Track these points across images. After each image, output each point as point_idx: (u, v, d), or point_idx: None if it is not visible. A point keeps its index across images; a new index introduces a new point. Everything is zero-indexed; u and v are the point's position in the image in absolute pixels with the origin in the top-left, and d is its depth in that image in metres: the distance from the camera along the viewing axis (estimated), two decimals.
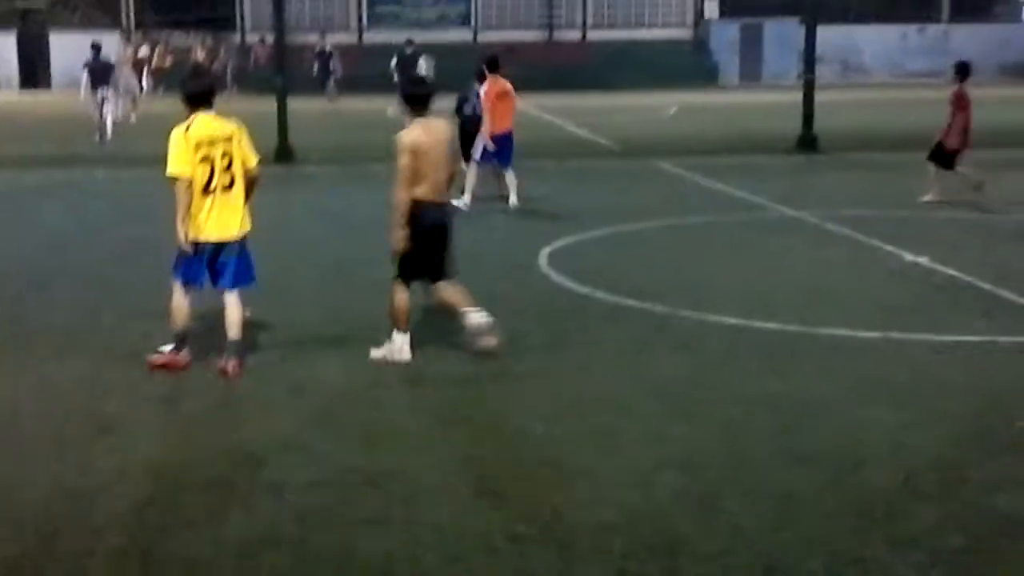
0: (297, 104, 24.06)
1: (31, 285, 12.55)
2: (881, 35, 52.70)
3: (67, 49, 46.91)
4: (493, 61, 18.23)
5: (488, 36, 49.33)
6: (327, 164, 23.66)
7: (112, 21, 50.63)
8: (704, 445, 7.64)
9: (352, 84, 42.56)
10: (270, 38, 39.81)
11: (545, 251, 14.02)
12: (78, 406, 8.55)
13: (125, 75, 33.66)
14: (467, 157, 17.68)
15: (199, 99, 9.22)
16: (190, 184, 9.02)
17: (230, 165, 9.17)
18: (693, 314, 10.94)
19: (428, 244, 9.58)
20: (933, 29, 53.75)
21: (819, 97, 25.96)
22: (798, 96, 26.32)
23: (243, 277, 9.48)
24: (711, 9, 54.75)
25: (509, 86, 18.04)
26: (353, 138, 27.75)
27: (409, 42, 39.41)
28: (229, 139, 9.19)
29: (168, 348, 9.44)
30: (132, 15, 51.24)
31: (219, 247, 9.28)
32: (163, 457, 7.50)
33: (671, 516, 6.55)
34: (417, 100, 9.63)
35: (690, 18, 54.99)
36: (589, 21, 53.87)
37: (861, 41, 52.00)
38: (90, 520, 6.50)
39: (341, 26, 52.45)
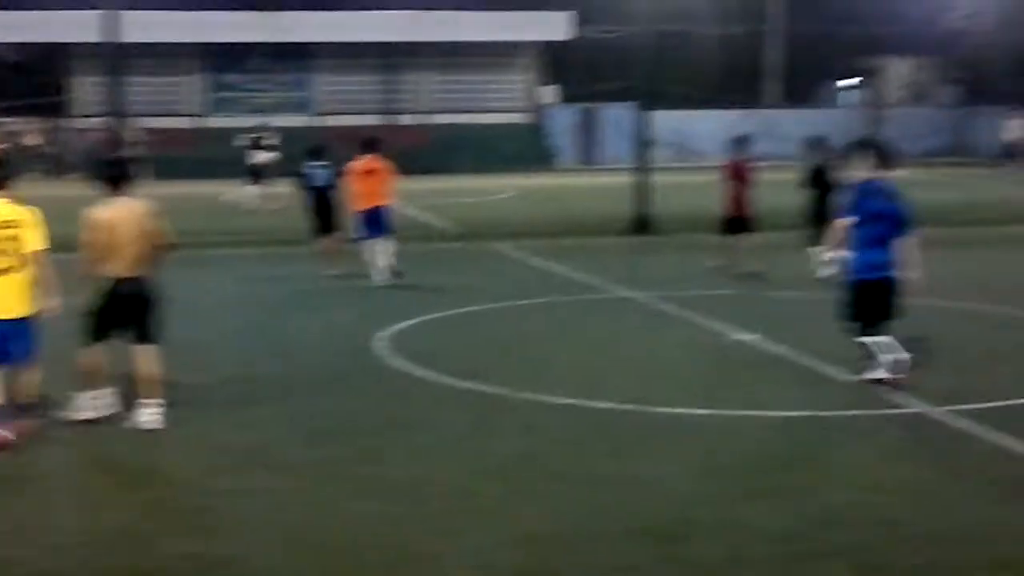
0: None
1: None
2: (713, 119, 54.26)
3: None
4: (367, 142, 19.71)
5: (328, 121, 49.42)
6: None
7: None
8: (544, 523, 7.76)
9: (190, 169, 42.25)
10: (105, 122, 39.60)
11: (383, 333, 14.09)
12: None
13: None
14: (328, 227, 19.68)
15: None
16: None
17: (17, 247, 9.54)
18: (531, 395, 11.10)
19: (115, 312, 10.14)
20: (762, 114, 55.58)
21: (655, 179, 26.65)
22: (634, 179, 26.97)
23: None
24: (549, 94, 55.79)
25: (378, 164, 19.23)
26: (192, 223, 27.44)
27: (262, 127, 39.12)
28: (16, 224, 9.57)
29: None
30: None
31: (12, 324, 9.57)
32: None
33: None
34: (111, 180, 10.21)
35: (529, 103, 55.94)
36: (429, 105, 54.45)
37: (695, 125, 53.43)
38: None
39: (185, 110, 52.12)
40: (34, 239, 9.69)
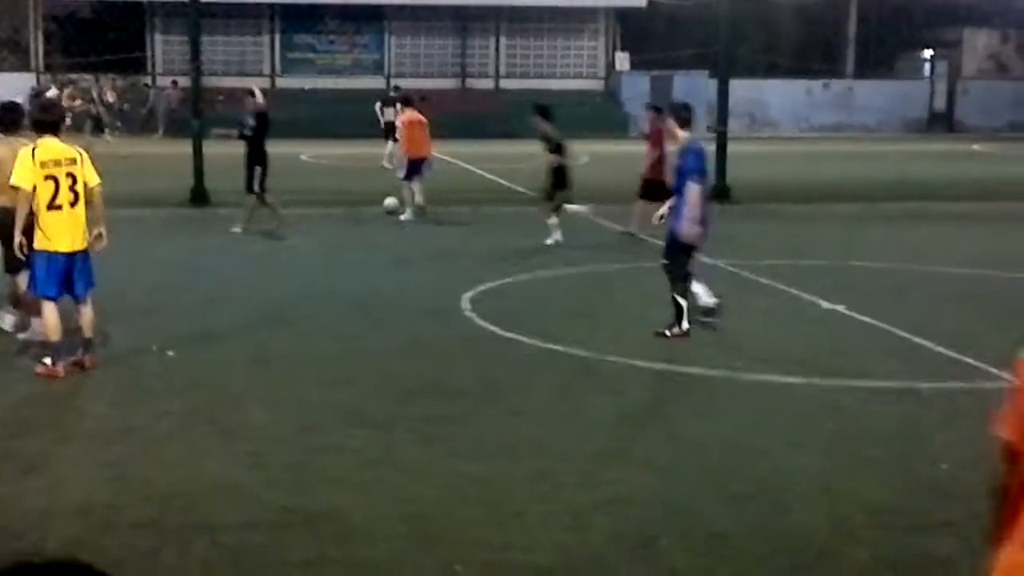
0: (210, 147, 23.85)
1: None
2: (788, 89, 53.62)
3: None
4: (405, 99, 24.21)
5: (401, 83, 49.43)
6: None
7: (20, 62, 49.94)
8: (637, 487, 7.69)
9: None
10: (183, 80, 39.74)
11: (467, 295, 14.05)
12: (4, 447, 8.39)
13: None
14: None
15: (45, 126, 10.23)
16: (30, 196, 9.87)
17: (74, 184, 10.03)
18: (620, 359, 11.02)
19: None
20: (838, 84, 54.84)
21: (729, 149, 26.36)
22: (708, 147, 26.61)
23: (91, 283, 10.39)
24: (622, 61, 55.38)
25: (420, 117, 22.01)
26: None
27: (396, 88, 39.50)
28: (73, 161, 10.07)
29: (48, 360, 10.13)
30: (41, 57, 50.58)
31: (71, 258, 10.08)
32: (92, 497, 7.37)
33: (607, 558, 6.59)
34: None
35: (601, 70, 55.59)
36: (502, 71, 54.24)
37: (769, 95, 52.86)
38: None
39: (254, 71, 52.27)
40: (91, 175, 10.20)
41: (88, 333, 10.42)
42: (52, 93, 45.85)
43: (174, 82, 45.97)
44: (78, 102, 44.91)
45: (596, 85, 55.35)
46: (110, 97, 44.87)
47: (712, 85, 28.11)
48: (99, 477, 7.76)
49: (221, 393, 9.88)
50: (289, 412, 9.36)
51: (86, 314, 10.38)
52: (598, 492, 7.56)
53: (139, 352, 11.16)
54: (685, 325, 11.81)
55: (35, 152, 10.01)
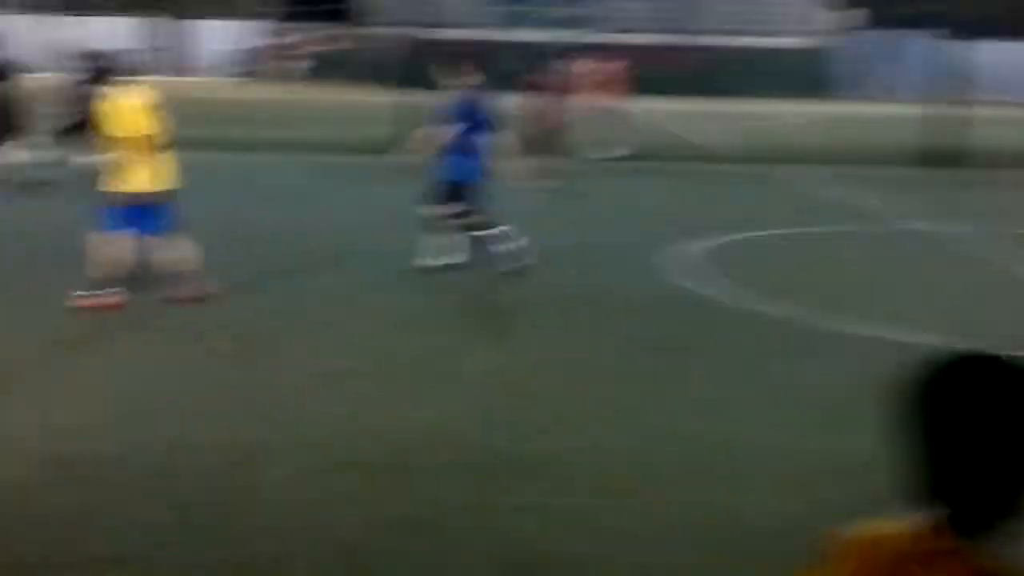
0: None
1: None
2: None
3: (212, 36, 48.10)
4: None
5: (616, 39, 49.02)
6: None
7: (227, 10, 51.26)
8: (861, 454, 7.55)
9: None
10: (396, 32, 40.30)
11: (668, 253, 13.99)
12: (235, 381, 8.75)
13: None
14: None
15: (108, 73, 10.93)
16: (119, 142, 10.46)
17: (152, 130, 10.56)
18: (829, 324, 10.83)
19: None
20: None
21: (960, 113, 25.40)
22: (934, 110, 25.68)
23: (171, 224, 10.84)
24: (843, 19, 53.90)
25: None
26: None
27: None
28: (150, 108, 10.58)
29: (99, 292, 10.60)
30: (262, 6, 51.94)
31: (148, 199, 10.60)
32: (316, 434, 7.64)
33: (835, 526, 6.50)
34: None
35: (825, 28, 54.18)
36: (718, 27, 53.33)
37: (1001, 57, 50.73)
38: (249, 493, 6.67)
39: (477, 23, 52.55)
40: (164, 123, 10.71)
41: (115, 271, 10.77)
42: (281, 40, 47.40)
43: (400, 32, 46.56)
44: (307, 50, 46.17)
45: (819, 43, 53.93)
46: (335, 46, 45.91)
47: (943, 47, 27.04)
48: (323, 415, 8.01)
49: (449, 337, 10.11)
50: (510, 359, 9.52)
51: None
52: (816, 462, 7.41)
53: (366, 292, 11.51)
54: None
55: (119, 100, 10.64)
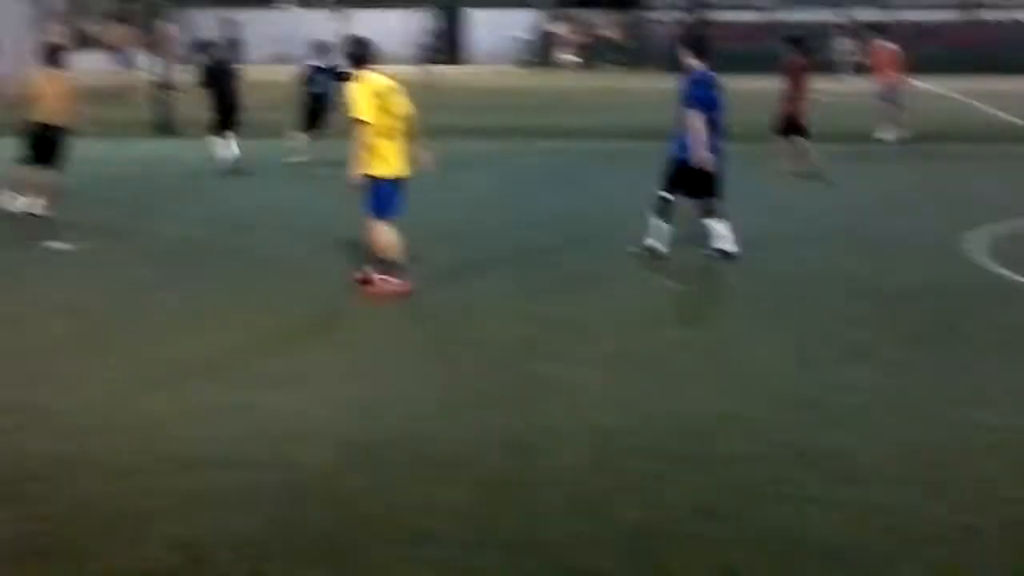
0: None
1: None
2: None
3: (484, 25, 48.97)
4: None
5: (902, 15, 47.51)
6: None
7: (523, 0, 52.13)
8: None
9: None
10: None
11: (972, 236, 13.44)
12: (519, 368, 8.86)
13: None
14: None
15: (363, 60, 10.86)
16: (369, 127, 10.56)
17: (400, 114, 10.76)
18: None
19: None
20: None
21: None
22: None
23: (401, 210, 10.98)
24: None
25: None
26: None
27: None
28: (396, 92, 10.77)
29: (378, 276, 10.93)
30: None
31: (399, 183, 10.87)
32: (603, 420, 7.64)
33: None
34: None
35: None
36: (999, 1, 50.97)
37: None
38: (537, 476, 6.73)
39: (747, 4, 51.92)
40: (409, 106, 10.86)
41: (389, 256, 10.98)
42: (558, 29, 47.91)
43: (676, 17, 46.49)
44: (581, 37, 46.57)
45: None
46: (610, 33, 46.12)
47: None
48: (609, 401, 8.03)
49: (717, 327, 9.98)
50: (793, 347, 9.34)
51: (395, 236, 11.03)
52: None
53: (642, 280, 11.51)
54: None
55: (367, 85, 10.75)
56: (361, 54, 10.98)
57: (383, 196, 10.84)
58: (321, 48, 20.85)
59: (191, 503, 6.26)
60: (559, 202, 16.43)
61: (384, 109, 10.71)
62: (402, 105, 10.87)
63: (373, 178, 10.79)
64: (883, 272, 11.97)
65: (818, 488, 6.52)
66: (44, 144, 14.68)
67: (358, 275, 11.10)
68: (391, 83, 10.90)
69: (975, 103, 31.65)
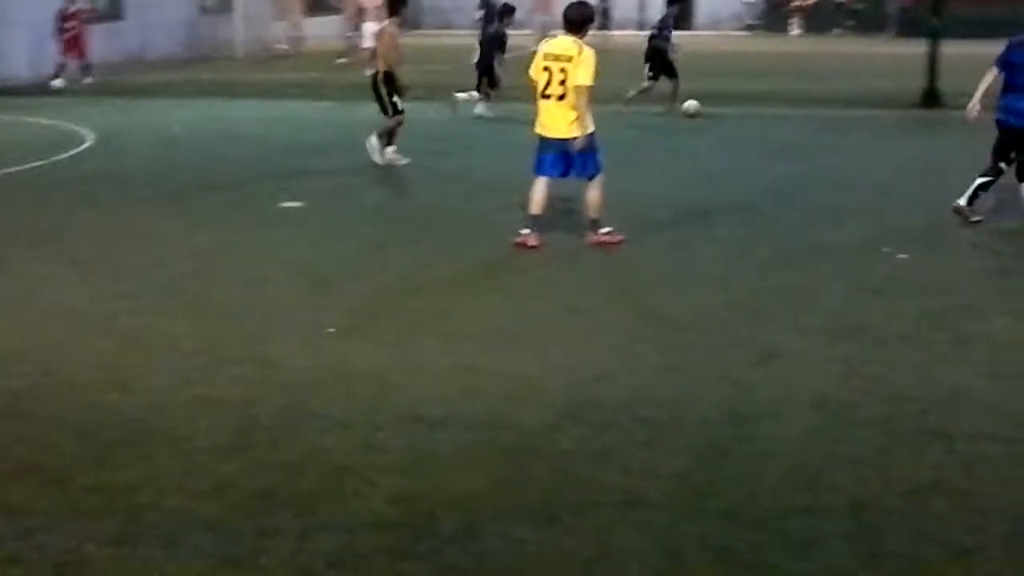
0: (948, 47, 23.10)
1: (695, 216, 13.02)
2: None
3: None
4: None
5: None
6: None
7: None
8: None
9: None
10: None
11: None
12: (741, 335, 8.75)
13: None
14: None
15: (569, 24, 11.07)
16: (535, 86, 11.10)
17: (564, 80, 10.85)
18: None
19: None
20: None
21: None
22: None
23: (585, 170, 11.25)
24: None
25: None
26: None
27: None
28: (569, 59, 10.83)
29: (525, 231, 11.29)
30: None
31: (559, 144, 11.10)
32: (826, 390, 7.49)
33: None
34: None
35: None
36: None
37: None
38: (755, 445, 6.65)
39: None
40: (582, 75, 10.81)
41: (592, 214, 11.38)
42: None
43: None
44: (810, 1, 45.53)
45: None
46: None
47: None
48: (833, 372, 7.87)
49: (957, 299, 9.66)
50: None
51: (590, 196, 11.32)
52: None
53: (869, 251, 11.21)
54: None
55: (544, 46, 11.28)
56: (586, 17, 11.07)
57: (550, 156, 11.27)
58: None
59: (412, 459, 6.40)
60: (785, 172, 16.11)
61: (547, 70, 11.01)
62: (569, 71, 10.94)
63: (542, 137, 11.27)
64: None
65: None
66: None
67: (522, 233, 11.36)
68: (567, 49, 10.99)
69: None
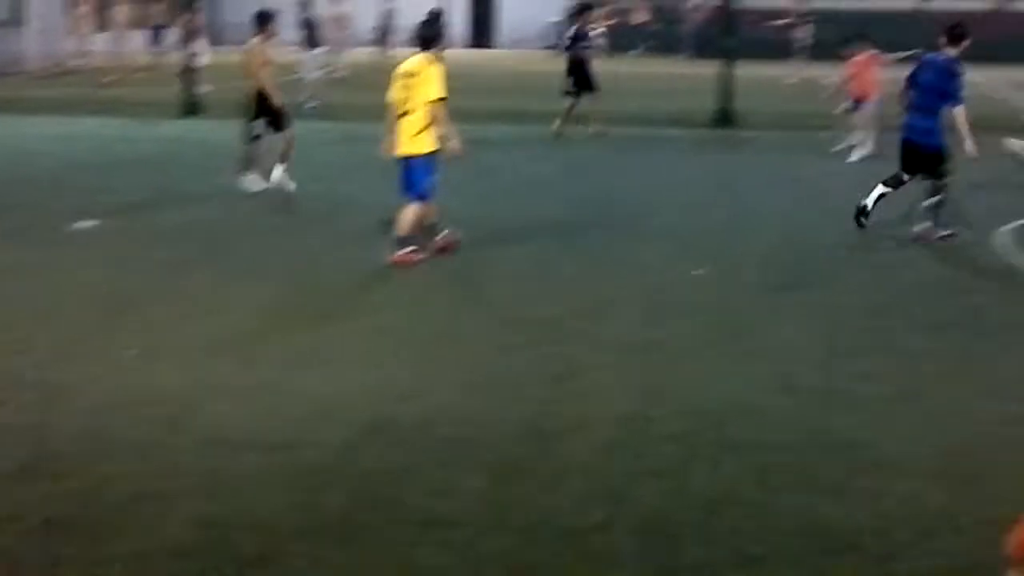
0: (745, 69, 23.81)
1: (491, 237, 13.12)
2: None
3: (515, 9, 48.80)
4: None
5: (937, 4, 46.90)
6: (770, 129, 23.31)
7: None
8: None
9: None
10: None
11: (1004, 231, 13.33)
12: (542, 353, 8.84)
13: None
14: None
15: (421, 41, 11.34)
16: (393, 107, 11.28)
17: (410, 97, 11.09)
18: None
19: None
20: None
21: None
22: None
23: (412, 190, 11.37)
24: None
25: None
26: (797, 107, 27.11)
27: None
28: (414, 75, 11.08)
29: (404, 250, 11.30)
30: None
31: (401, 162, 11.30)
32: (626, 406, 7.62)
33: None
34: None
35: None
36: None
37: None
38: (556, 461, 6.74)
39: None
40: (430, 91, 11.04)
41: (401, 232, 11.33)
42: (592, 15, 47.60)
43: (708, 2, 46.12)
44: (612, 21, 46.31)
45: None
46: (640, 17, 45.90)
47: None
48: (632, 387, 8.01)
49: (739, 315, 9.97)
50: (820, 338, 9.30)
51: (405, 214, 11.34)
52: None
53: (666, 267, 11.49)
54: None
55: (401, 67, 11.41)
56: (434, 34, 11.38)
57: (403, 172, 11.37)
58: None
59: (213, 482, 6.31)
60: (585, 190, 16.38)
61: (403, 89, 11.19)
62: (418, 87, 11.16)
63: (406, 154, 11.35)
64: (910, 263, 11.94)
65: (839, 476, 6.51)
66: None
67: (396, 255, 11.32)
68: (412, 66, 11.23)
69: (1004, 95, 31.36)
